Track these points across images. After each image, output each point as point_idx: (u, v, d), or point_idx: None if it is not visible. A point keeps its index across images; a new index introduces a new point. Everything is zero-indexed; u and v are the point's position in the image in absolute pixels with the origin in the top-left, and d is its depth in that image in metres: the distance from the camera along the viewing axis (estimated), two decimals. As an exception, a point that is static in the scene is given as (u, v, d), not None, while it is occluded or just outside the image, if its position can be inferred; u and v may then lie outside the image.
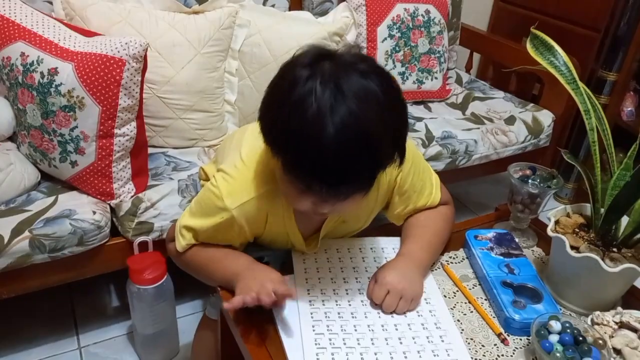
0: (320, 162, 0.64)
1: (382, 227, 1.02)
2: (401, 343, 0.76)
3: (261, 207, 0.82)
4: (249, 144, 0.85)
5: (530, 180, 0.97)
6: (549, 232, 0.84)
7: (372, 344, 0.75)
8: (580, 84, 0.85)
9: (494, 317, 0.83)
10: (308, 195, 0.70)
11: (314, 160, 0.64)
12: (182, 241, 0.86)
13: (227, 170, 0.83)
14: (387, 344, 0.75)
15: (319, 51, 0.68)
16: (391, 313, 0.81)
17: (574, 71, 0.85)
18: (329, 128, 0.62)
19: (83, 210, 1.15)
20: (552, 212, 0.89)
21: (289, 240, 0.89)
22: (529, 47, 0.88)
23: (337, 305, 0.81)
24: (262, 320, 0.79)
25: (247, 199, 0.80)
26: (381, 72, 0.68)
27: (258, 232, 0.87)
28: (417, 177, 0.91)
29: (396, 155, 0.70)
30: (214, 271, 0.85)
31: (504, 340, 0.79)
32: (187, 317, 1.45)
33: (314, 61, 0.66)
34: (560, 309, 0.84)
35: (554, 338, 0.72)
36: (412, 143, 0.91)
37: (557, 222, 0.88)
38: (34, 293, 1.19)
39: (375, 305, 0.82)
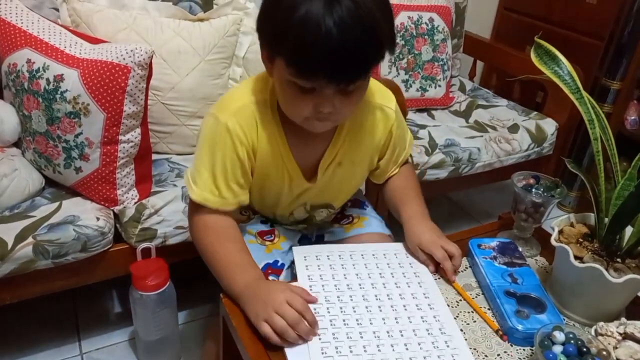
0: (326, 49, 0.68)
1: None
2: (407, 349, 0.76)
3: (251, 115, 0.85)
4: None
5: (534, 189, 0.97)
6: (553, 242, 0.84)
7: (379, 350, 0.75)
8: (584, 94, 0.85)
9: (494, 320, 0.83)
10: (310, 96, 0.75)
11: (320, 49, 0.68)
12: (196, 188, 0.86)
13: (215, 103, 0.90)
14: (393, 350, 0.75)
15: None
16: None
17: (577, 81, 0.85)
18: (329, 17, 0.67)
19: (87, 217, 1.15)
20: (556, 221, 0.89)
21: (284, 164, 0.90)
22: (533, 56, 0.88)
23: (342, 312, 0.81)
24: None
25: (237, 105, 0.84)
26: None
27: (253, 145, 0.86)
28: (402, 130, 1.00)
29: (389, 43, 0.75)
30: (220, 272, 0.84)
31: (502, 336, 0.80)
32: (189, 324, 1.44)
33: None
34: (564, 319, 0.84)
35: (557, 349, 0.71)
36: (394, 101, 0.98)
37: (560, 232, 0.88)
38: (37, 298, 1.19)
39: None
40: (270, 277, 0.97)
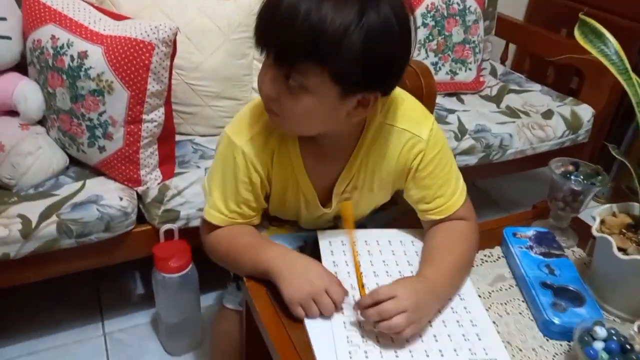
0: (273, 12, 0.66)
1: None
2: (436, 341, 0.73)
3: (267, 141, 0.81)
4: None
5: (573, 177, 0.92)
6: (594, 232, 0.80)
7: (407, 340, 0.72)
8: (633, 75, 0.79)
9: (532, 321, 0.79)
10: (262, 69, 0.72)
11: (269, 10, 0.67)
12: (206, 205, 0.85)
13: (234, 117, 0.85)
14: (422, 341, 0.72)
15: None
16: (392, 335, 0.71)
17: (626, 61, 0.80)
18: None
19: (110, 196, 1.14)
20: (597, 210, 0.84)
21: (301, 192, 0.86)
22: (577, 34, 0.83)
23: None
24: (291, 315, 0.76)
25: (254, 131, 0.81)
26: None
27: (268, 173, 0.84)
28: (441, 170, 0.85)
29: (336, 50, 0.65)
30: (244, 261, 0.82)
31: None
32: (211, 307, 1.44)
33: None
34: (604, 314, 0.80)
35: (598, 345, 0.67)
36: (444, 137, 0.88)
37: (602, 222, 0.83)
38: (61, 278, 1.19)
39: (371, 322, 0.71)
40: None
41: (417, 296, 0.72)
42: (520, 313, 0.80)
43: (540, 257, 0.86)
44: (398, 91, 0.84)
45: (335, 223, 0.98)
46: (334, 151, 0.83)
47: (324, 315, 0.73)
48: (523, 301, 0.83)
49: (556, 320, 0.75)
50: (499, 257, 0.92)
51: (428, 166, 0.85)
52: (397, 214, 1.03)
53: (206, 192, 0.87)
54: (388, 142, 0.84)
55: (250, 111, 0.83)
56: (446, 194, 0.86)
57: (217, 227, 0.85)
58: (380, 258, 0.87)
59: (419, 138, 0.83)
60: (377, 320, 0.69)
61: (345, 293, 0.76)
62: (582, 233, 0.98)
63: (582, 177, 0.92)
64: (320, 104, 0.71)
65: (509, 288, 0.85)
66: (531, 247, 0.88)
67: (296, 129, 0.79)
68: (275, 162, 0.83)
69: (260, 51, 0.70)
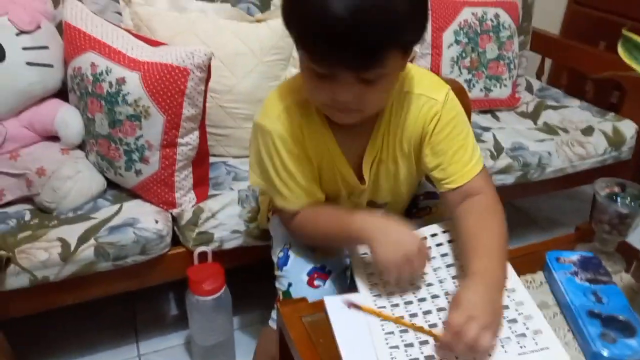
0: (333, 29, 0.64)
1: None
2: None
3: (294, 117, 0.83)
4: None
5: (619, 199, 0.88)
6: (645, 259, 0.75)
7: None
8: (683, 93, 0.75)
9: (579, 353, 0.75)
10: (328, 83, 0.72)
11: (327, 27, 0.65)
12: (278, 199, 0.89)
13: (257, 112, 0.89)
14: None
15: None
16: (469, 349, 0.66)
17: (674, 78, 0.76)
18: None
19: (146, 219, 1.16)
20: (647, 235, 0.80)
21: (335, 166, 0.88)
22: (620, 50, 0.80)
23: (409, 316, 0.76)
24: (326, 342, 0.74)
25: (279, 110, 0.84)
26: None
27: (303, 145, 0.85)
28: (457, 134, 0.86)
29: (413, 24, 0.70)
30: (333, 231, 0.86)
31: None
32: (244, 330, 1.43)
33: None
34: (657, 346, 0.75)
35: (653, 380, 0.64)
36: (460, 106, 0.88)
37: (653, 247, 0.79)
38: (97, 300, 1.21)
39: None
40: (316, 282, 0.93)
41: (486, 300, 0.70)
42: (566, 344, 0.76)
43: (586, 283, 0.82)
44: (412, 65, 0.88)
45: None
46: (360, 122, 0.83)
47: (415, 277, 0.78)
48: (569, 331, 0.79)
49: (605, 353, 0.71)
50: (542, 283, 0.88)
51: (444, 130, 0.85)
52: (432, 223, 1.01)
53: (259, 183, 0.91)
54: (407, 109, 0.86)
55: (271, 96, 0.87)
56: (462, 160, 0.85)
57: (296, 213, 0.88)
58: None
59: (435, 100, 0.85)
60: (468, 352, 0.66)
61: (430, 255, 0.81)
62: (629, 258, 0.94)
63: (629, 198, 0.88)
64: (394, 78, 0.76)
65: (553, 316, 0.81)
66: (576, 273, 0.84)
67: (374, 111, 0.82)
68: (306, 136, 0.85)
69: (325, 69, 0.71)
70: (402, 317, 0.76)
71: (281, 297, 0.95)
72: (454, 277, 0.83)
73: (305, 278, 0.93)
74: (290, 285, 0.94)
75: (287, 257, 0.96)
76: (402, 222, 0.81)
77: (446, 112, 0.85)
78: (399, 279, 0.77)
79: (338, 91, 0.73)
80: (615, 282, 0.84)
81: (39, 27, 1.23)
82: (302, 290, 0.91)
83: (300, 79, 0.82)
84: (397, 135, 0.87)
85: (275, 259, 1.00)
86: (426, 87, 0.86)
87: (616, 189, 0.90)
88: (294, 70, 1.47)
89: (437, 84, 0.88)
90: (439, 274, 0.83)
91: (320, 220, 0.87)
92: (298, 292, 0.92)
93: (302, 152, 0.85)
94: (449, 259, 0.86)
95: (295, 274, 0.94)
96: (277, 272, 0.99)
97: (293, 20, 0.71)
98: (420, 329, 0.74)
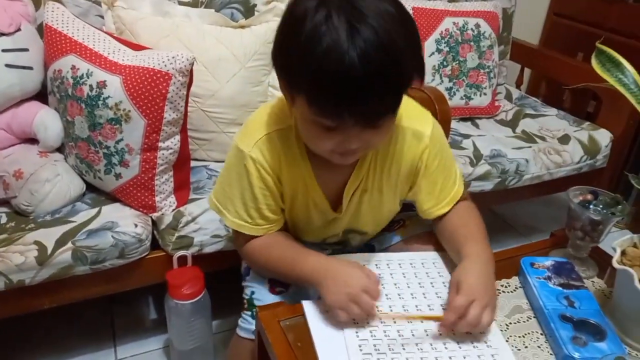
0: (348, 85, 0.64)
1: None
2: (446, 347, 0.75)
3: (274, 145, 0.82)
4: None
5: (592, 206, 0.90)
6: (615, 264, 0.77)
7: (419, 349, 0.74)
8: (652, 104, 0.78)
9: (551, 355, 0.77)
10: (335, 133, 0.71)
11: (342, 84, 0.64)
12: (230, 215, 0.86)
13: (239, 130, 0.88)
14: (432, 348, 0.74)
15: None
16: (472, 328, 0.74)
17: (644, 89, 0.79)
18: (352, 49, 0.62)
19: (125, 223, 1.15)
20: (618, 242, 0.82)
21: (309, 193, 0.87)
22: (594, 63, 0.82)
23: (382, 322, 0.78)
24: (304, 345, 0.75)
25: (259, 136, 0.82)
26: None
27: (279, 175, 0.85)
28: (444, 162, 0.90)
29: (416, 71, 0.71)
30: (284, 271, 0.86)
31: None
32: (223, 334, 1.43)
33: None
34: (626, 349, 0.77)
35: (621, 383, 0.65)
36: (441, 128, 0.90)
37: (623, 253, 0.81)
38: (74, 304, 1.19)
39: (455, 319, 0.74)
40: (277, 289, 0.94)
41: (482, 281, 0.77)
42: (539, 347, 0.78)
43: (559, 288, 0.84)
44: None
45: (344, 237, 0.98)
46: None
47: (366, 315, 0.76)
48: (542, 334, 0.80)
49: (576, 355, 0.73)
50: (517, 288, 0.90)
51: (434, 161, 0.88)
52: (406, 236, 1.03)
53: (217, 206, 0.89)
54: (395, 141, 0.86)
55: (255, 118, 0.86)
56: (449, 184, 0.91)
57: (249, 237, 0.87)
58: (391, 281, 0.87)
59: (422, 134, 0.86)
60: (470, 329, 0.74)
61: (380, 292, 0.78)
62: (602, 263, 0.96)
63: (601, 206, 0.90)
64: (396, 115, 0.75)
65: (527, 320, 0.83)
66: (549, 278, 0.86)
67: (377, 149, 0.83)
68: (284, 166, 0.84)
69: (334, 122, 0.69)
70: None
71: (246, 305, 0.95)
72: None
73: (267, 285, 0.93)
74: (253, 292, 0.95)
75: (249, 267, 0.97)
76: (351, 262, 0.81)
77: (433, 145, 0.87)
78: (353, 316, 0.75)
79: (346, 141, 0.72)
80: (588, 287, 0.86)
81: (19, 29, 1.22)
82: (264, 297, 0.92)
83: (283, 106, 0.82)
84: (385, 165, 0.87)
85: (242, 270, 1.01)
86: (414, 119, 0.86)
87: (589, 197, 0.93)
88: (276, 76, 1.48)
89: (422, 115, 0.89)
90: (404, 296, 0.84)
91: (272, 254, 0.86)
92: (261, 298, 0.92)
93: (275, 182, 0.84)
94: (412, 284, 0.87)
95: (257, 282, 0.94)
96: (243, 283, 1.00)
97: (302, 77, 0.68)
98: (417, 317, 0.79)
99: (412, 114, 0.87)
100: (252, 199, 0.84)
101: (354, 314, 0.75)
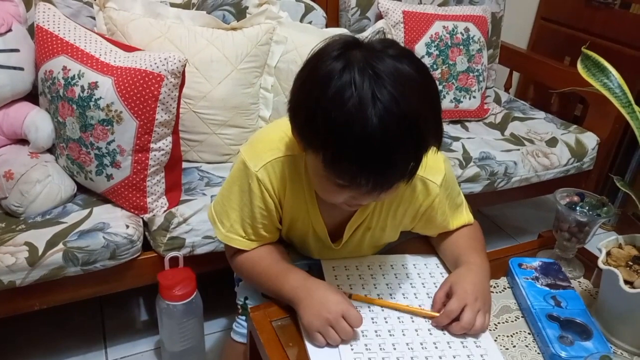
0: (367, 152, 0.63)
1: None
2: (436, 347, 0.76)
3: (282, 170, 0.81)
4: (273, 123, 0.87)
5: (578, 208, 0.92)
6: (600, 265, 0.79)
7: (409, 348, 0.75)
8: (636, 108, 0.80)
9: (539, 354, 0.78)
10: (346, 190, 0.70)
11: (360, 150, 0.63)
12: (223, 229, 0.85)
13: (250, 138, 0.86)
14: (422, 347, 0.75)
15: (346, 40, 0.68)
16: (464, 331, 0.77)
17: (629, 94, 0.81)
18: (373, 116, 0.61)
19: (116, 224, 1.15)
20: (603, 242, 0.84)
21: (309, 220, 0.86)
22: (580, 67, 0.84)
23: (373, 322, 0.79)
24: (295, 345, 0.76)
25: (270, 158, 0.80)
26: (410, 54, 0.68)
27: (281, 199, 0.84)
28: (453, 200, 0.91)
29: (435, 137, 0.70)
30: (268, 287, 0.85)
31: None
32: (215, 335, 1.43)
33: (344, 51, 0.66)
34: (612, 348, 0.79)
35: (606, 380, 0.67)
36: (451, 168, 0.90)
37: (608, 254, 0.83)
38: (65, 305, 1.19)
39: (446, 322, 0.78)
40: None
41: (479, 287, 0.80)
42: (526, 346, 0.79)
43: (547, 288, 0.86)
44: None
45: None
46: None
47: (343, 340, 0.75)
48: (529, 333, 0.82)
49: (563, 354, 0.74)
50: (505, 288, 0.91)
51: (443, 205, 0.89)
52: (395, 242, 1.04)
53: (213, 217, 0.87)
54: (404, 186, 0.83)
55: (267, 136, 0.84)
56: (455, 216, 0.93)
57: (239, 249, 0.87)
58: (383, 281, 0.88)
59: (433, 183, 0.85)
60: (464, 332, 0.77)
61: (361, 318, 0.76)
62: (588, 264, 0.98)
63: (587, 208, 0.92)
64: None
65: (515, 320, 0.84)
66: (537, 278, 0.88)
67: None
68: (289, 192, 0.83)
69: (349, 182, 0.68)
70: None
71: (240, 310, 0.95)
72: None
73: (260, 291, 0.93)
74: (246, 298, 0.95)
75: None
76: (331, 287, 0.80)
77: (444, 192, 0.87)
78: (330, 341, 0.74)
79: (357, 197, 0.71)
80: (574, 287, 0.87)
81: (10, 30, 1.21)
82: (258, 301, 0.93)
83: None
84: (391, 207, 0.86)
85: (235, 275, 1.01)
86: (426, 167, 0.78)
87: (576, 199, 0.94)
88: (269, 78, 1.48)
89: (435, 163, 0.84)
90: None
91: (256, 269, 0.86)
92: (255, 303, 0.93)
93: (275, 206, 0.84)
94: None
95: (250, 287, 0.95)
96: (236, 289, 1.01)
97: (320, 137, 0.66)
98: (410, 309, 0.81)
99: (425, 162, 0.83)
100: (250, 216, 0.83)
101: (331, 339, 0.74)
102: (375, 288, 0.85)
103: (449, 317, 0.77)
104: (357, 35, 0.72)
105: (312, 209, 0.85)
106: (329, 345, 0.74)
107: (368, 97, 0.62)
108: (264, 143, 0.83)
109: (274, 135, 0.82)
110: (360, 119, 0.61)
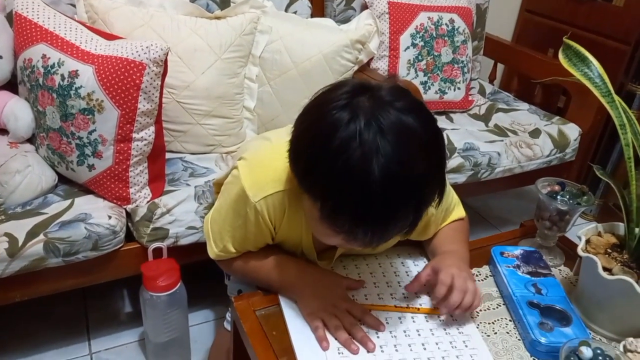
0: (367, 207, 0.62)
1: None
2: (425, 349, 0.75)
3: (282, 205, 0.79)
4: (278, 135, 0.81)
5: (559, 197, 0.93)
6: (580, 252, 0.80)
7: (396, 350, 0.74)
8: (616, 97, 0.81)
9: (519, 340, 0.79)
10: (342, 235, 0.67)
11: (360, 205, 0.62)
12: (216, 249, 0.86)
13: (251, 158, 0.82)
14: (410, 350, 0.75)
15: (354, 87, 0.66)
16: (454, 310, 0.77)
17: (609, 83, 0.81)
18: (375, 172, 0.60)
19: (99, 215, 1.14)
20: (583, 230, 0.85)
21: (301, 243, 0.86)
22: (561, 57, 0.85)
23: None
24: (278, 334, 0.76)
25: (270, 192, 0.78)
26: (420, 107, 0.66)
27: (276, 229, 0.83)
28: (445, 207, 0.91)
29: (439, 194, 0.69)
30: (266, 280, 0.85)
31: None
32: (200, 325, 1.42)
33: (352, 99, 0.64)
34: (590, 334, 0.80)
35: (584, 365, 0.68)
36: (451, 190, 0.92)
37: (587, 242, 0.84)
38: (47, 297, 1.18)
39: (437, 302, 0.79)
40: None
41: (460, 264, 0.82)
42: (507, 332, 0.81)
43: (528, 276, 0.87)
44: None
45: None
46: None
47: (346, 329, 0.75)
48: (510, 320, 0.83)
49: (543, 340, 0.75)
50: (487, 276, 0.92)
51: (436, 220, 0.90)
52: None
53: (208, 234, 0.87)
54: None
55: (271, 164, 0.78)
56: (449, 217, 0.93)
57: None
58: (371, 280, 0.88)
59: (431, 207, 0.82)
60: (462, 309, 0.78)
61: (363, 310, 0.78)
62: (568, 252, 0.99)
63: (568, 197, 0.93)
64: None
65: (497, 307, 0.86)
66: (518, 267, 0.89)
67: None
68: (286, 220, 0.81)
69: (346, 234, 0.66)
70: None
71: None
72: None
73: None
74: (240, 291, 0.95)
75: None
76: (332, 272, 0.82)
77: (439, 209, 0.86)
78: (331, 328, 0.75)
79: (353, 243, 0.69)
80: (554, 275, 0.89)
81: (-13, 16, 1.19)
82: None
83: None
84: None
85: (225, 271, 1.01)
86: None
87: (557, 188, 0.95)
88: (253, 68, 1.48)
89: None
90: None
91: (250, 264, 0.86)
92: None
93: (270, 231, 0.83)
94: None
95: (243, 280, 0.95)
96: (226, 282, 1.01)
97: (320, 185, 0.65)
98: (403, 309, 0.82)
99: None
100: (242, 237, 0.83)
101: (332, 326, 0.75)
102: (376, 287, 0.86)
103: (446, 285, 0.77)
104: (366, 80, 0.70)
105: (306, 236, 0.85)
106: (330, 332, 0.75)
107: (372, 152, 0.60)
108: (267, 171, 0.79)
109: (278, 164, 0.75)
110: (363, 173, 0.60)
